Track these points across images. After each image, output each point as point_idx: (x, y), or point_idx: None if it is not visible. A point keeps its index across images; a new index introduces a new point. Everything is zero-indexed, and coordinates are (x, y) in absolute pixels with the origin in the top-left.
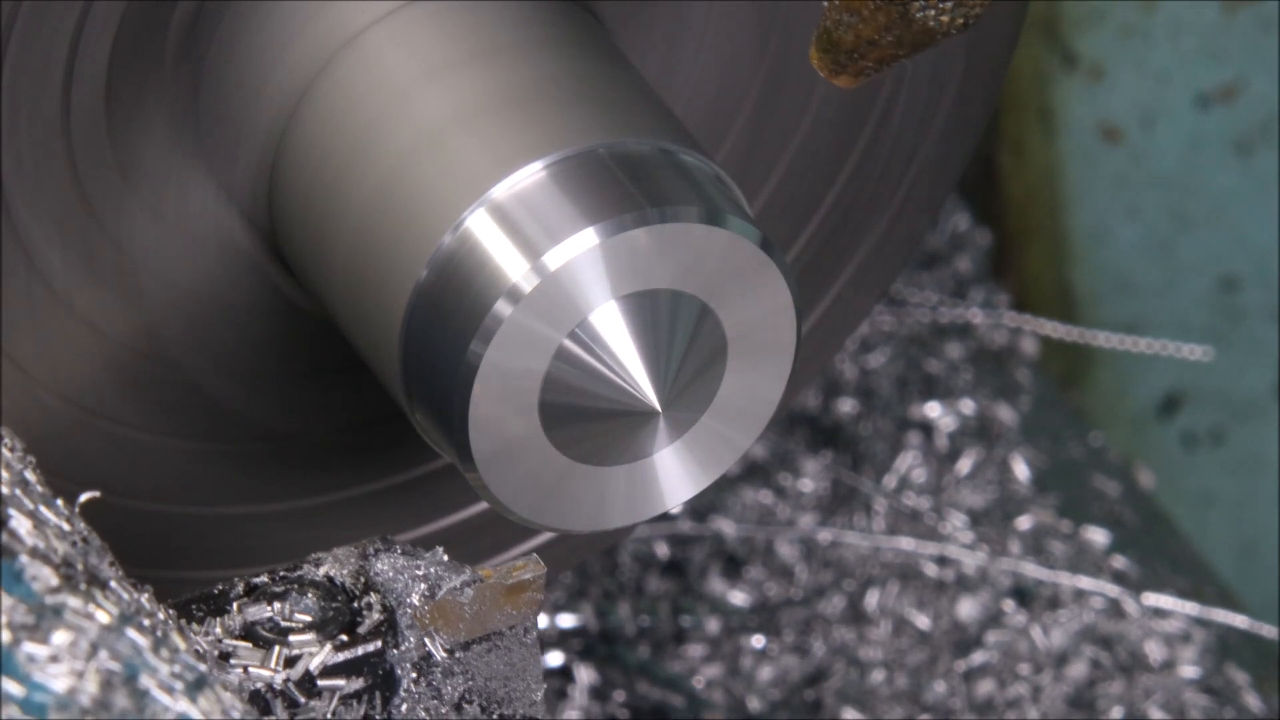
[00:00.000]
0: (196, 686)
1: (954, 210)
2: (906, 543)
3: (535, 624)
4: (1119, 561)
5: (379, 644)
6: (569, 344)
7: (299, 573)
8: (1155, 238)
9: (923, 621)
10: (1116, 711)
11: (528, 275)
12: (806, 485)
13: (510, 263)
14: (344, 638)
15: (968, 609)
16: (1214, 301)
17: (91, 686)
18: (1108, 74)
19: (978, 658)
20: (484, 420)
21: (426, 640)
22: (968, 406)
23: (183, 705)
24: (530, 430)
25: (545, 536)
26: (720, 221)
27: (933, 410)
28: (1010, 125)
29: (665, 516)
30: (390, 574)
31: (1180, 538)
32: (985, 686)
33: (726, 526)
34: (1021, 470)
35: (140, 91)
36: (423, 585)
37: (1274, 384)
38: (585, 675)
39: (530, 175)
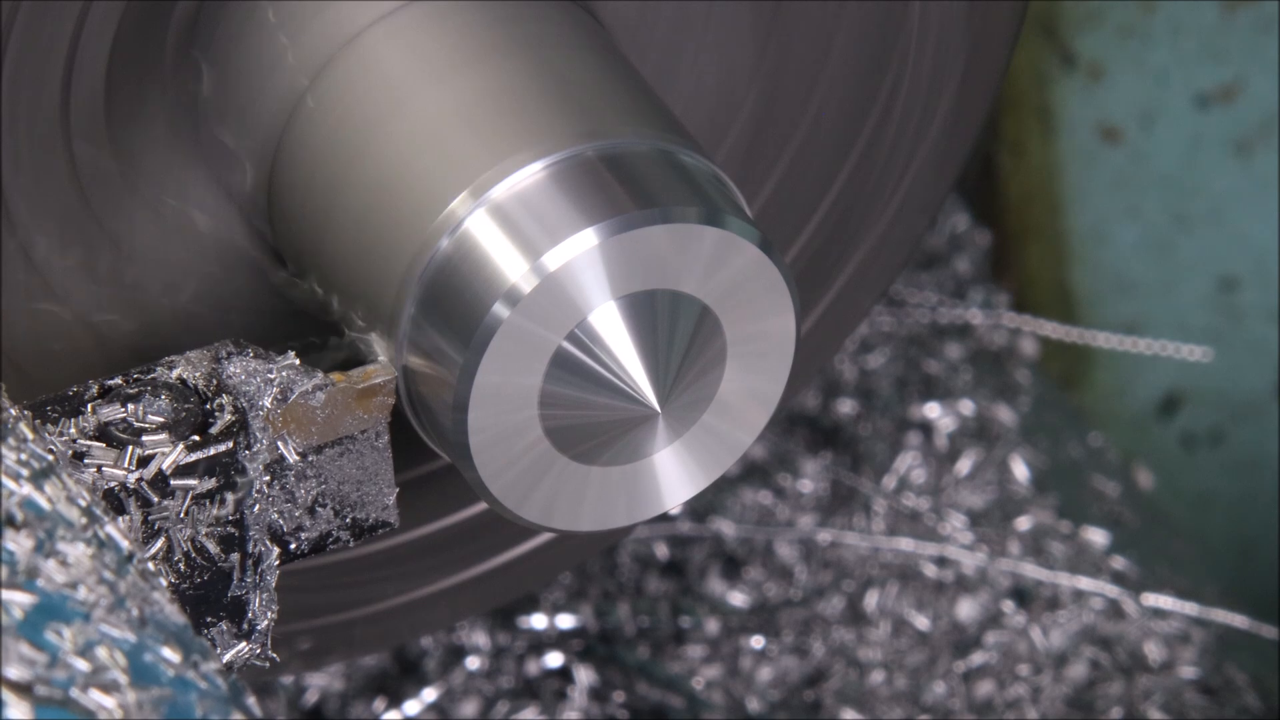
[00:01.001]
0: (43, 474)
1: (954, 210)
2: (906, 543)
3: (386, 428)
4: (1118, 562)
5: (230, 444)
6: (568, 345)
7: (152, 375)
8: (1155, 238)
9: (922, 622)
10: (1116, 712)
11: (527, 276)
12: (806, 486)
13: (509, 263)
14: (196, 438)
15: (967, 610)
16: (1214, 301)
17: None
18: (1107, 74)
19: (977, 658)
20: (484, 421)
21: (279, 443)
22: (967, 407)
23: (27, 490)
24: (530, 431)
25: (545, 536)
26: (720, 221)
27: (932, 411)
28: (1010, 125)
29: (665, 517)
30: (243, 376)
31: (1180, 538)
32: (985, 687)
33: (726, 527)
34: (1021, 471)
35: (140, 91)
36: (275, 388)
37: (1274, 384)
38: (585, 676)
39: (529, 175)
